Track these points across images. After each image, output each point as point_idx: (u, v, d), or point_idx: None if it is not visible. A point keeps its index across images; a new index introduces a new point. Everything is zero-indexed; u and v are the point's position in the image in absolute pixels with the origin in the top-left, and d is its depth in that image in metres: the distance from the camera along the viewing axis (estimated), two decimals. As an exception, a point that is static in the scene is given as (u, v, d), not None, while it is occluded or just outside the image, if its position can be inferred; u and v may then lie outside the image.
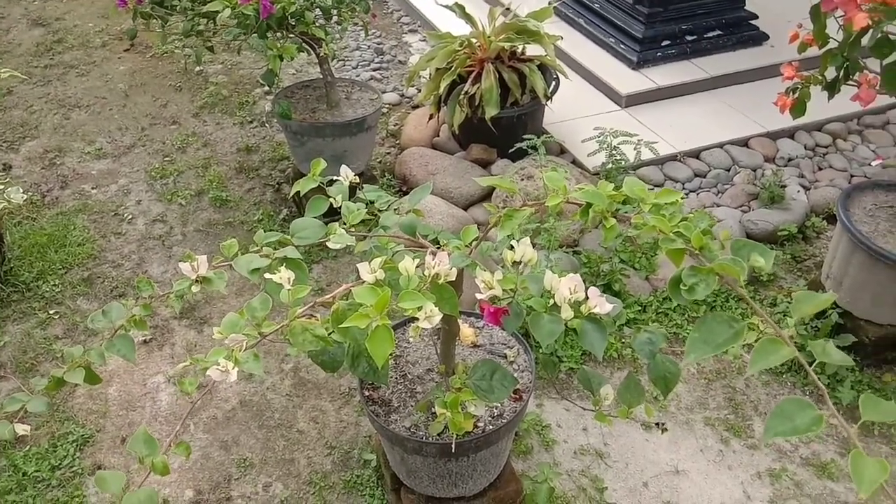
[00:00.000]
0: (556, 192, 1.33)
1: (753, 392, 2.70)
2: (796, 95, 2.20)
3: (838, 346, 2.27)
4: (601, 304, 1.41)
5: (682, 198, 1.21)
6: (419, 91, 4.51)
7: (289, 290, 1.29)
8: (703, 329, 1.07)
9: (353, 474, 2.39)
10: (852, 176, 3.72)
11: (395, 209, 1.80)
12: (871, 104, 2.13)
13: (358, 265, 1.33)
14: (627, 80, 4.16)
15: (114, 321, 1.56)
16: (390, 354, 1.25)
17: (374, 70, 4.80)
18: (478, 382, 1.51)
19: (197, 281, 1.43)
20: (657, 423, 1.85)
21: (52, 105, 4.44)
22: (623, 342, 2.83)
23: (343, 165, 1.86)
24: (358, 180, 1.84)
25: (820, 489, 2.38)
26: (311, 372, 2.76)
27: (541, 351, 2.45)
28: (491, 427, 1.83)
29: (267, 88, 4.58)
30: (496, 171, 3.57)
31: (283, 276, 1.30)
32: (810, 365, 1.12)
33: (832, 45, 2.16)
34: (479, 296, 1.43)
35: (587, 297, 1.41)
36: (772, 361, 1.00)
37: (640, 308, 2.92)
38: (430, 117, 3.74)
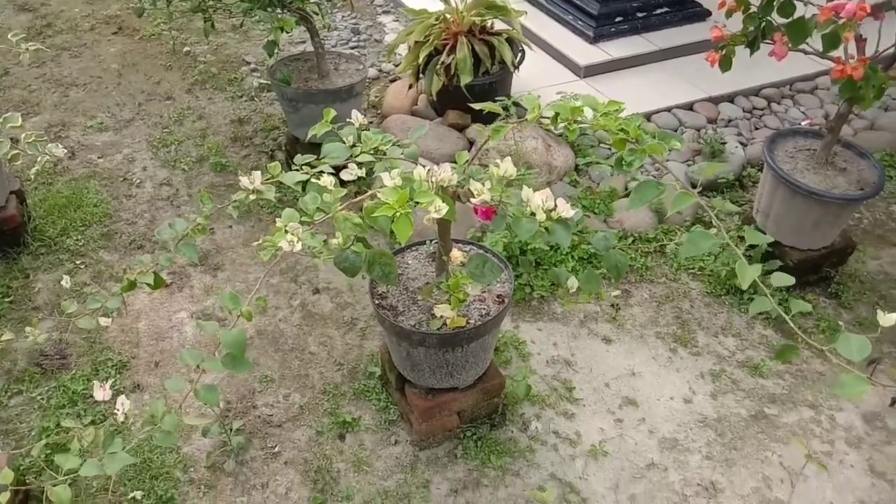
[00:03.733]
0: (533, 108, 1.74)
1: (697, 311, 3.17)
2: (723, 52, 2.65)
3: (768, 271, 2.75)
4: (566, 210, 1.83)
5: (622, 105, 1.63)
6: (396, 66, 4.90)
7: (331, 191, 1.69)
8: (692, 239, 1.49)
9: (361, 384, 2.79)
10: (784, 134, 4.21)
11: (394, 143, 2.19)
12: (801, 71, 2.57)
13: (380, 173, 1.73)
14: (585, 53, 4.60)
15: (178, 231, 1.93)
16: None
17: (352, 48, 5.16)
18: (473, 270, 1.92)
19: (253, 192, 1.81)
20: (612, 304, 2.27)
21: (50, 84, 4.72)
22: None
23: (354, 110, 2.24)
24: (367, 123, 2.23)
25: (752, 384, 2.85)
26: (316, 306, 3.15)
27: (539, 282, 2.88)
28: (481, 321, 2.25)
29: (253, 66, 4.92)
30: (471, 134, 3.97)
31: (327, 180, 1.69)
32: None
33: (753, 10, 2.62)
34: (472, 201, 1.83)
35: (556, 206, 1.83)
36: (749, 277, 1.41)
37: (600, 244, 3.36)
38: (410, 87, 4.13)
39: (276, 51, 3.26)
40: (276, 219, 1.74)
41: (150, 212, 3.66)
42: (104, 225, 3.54)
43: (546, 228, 1.83)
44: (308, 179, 1.82)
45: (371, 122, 4.36)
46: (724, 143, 4.00)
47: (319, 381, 2.82)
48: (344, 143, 2.14)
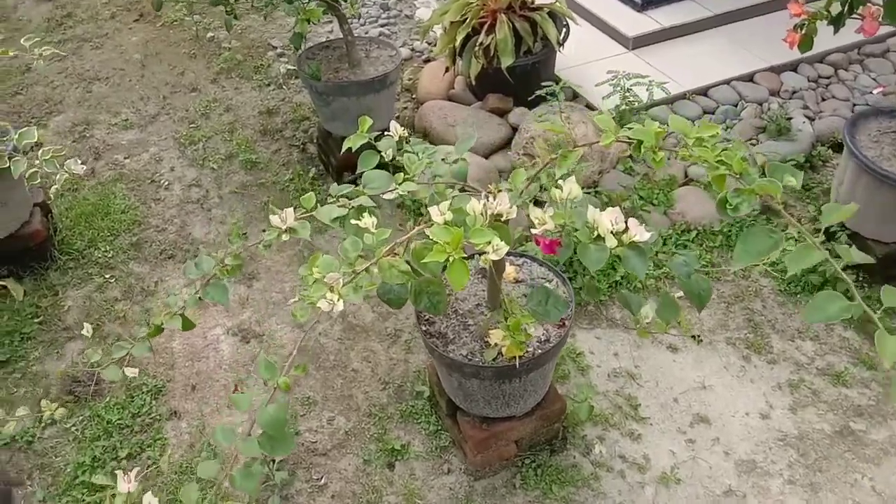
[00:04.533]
0: (608, 132, 1.50)
1: (770, 312, 2.90)
2: (804, 31, 2.34)
3: (847, 266, 2.47)
4: (640, 233, 1.59)
5: (719, 131, 1.38)
6: (429, 45, 4.63)
7: (374, 233, 1.47)
8: (748, 241, 1.25)
9: (408, 405, 2.61)
10: (855, 105, 3.86)
11: (442, 158, 1.96)
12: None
13: (429, 208, 1.50)
14: (633, 22, 4.27)
15: (206, 270, 1.74)
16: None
17: (382, 26, 4.89)
18: (535, 307, 1.70)
19: (286, 231, 1.60)
20: (693, 336, 2.06)
21: (73, 79, 4.55)
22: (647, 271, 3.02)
23: (392, 121, 2.02)
24: (407, 134, 2.00)
25: (835, 395, 2.60)
26: (357, 317, 2.97)
27: (585, 279, 2.66)
28: (540, 350, 2.03)
29: (280, 51, 4.69)
30: (513, 120, 3.71)
31: (368, 221, 1.48)
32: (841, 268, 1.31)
33: (837, -20, 2.30)
34: (533, 231, 1.60)
35: (627, 228, 1.59)
36: (806, 263, 1.19)
37: (661, 241, 3.10)
38: (446, 70, 3.86)
39: (302, 43, 3.02)
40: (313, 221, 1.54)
41: (181, 216, 3.50)
42: (133, 233, 3.39)
43: (618, 256, 1.60)
44: (346, 214, 1.60)
45: (406, 108, 4.12)
46: (790, 119, 3.67)
47: (364, 403, 2.65)
48: (383, 157, 1.93)
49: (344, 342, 2.87)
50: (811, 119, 3.75)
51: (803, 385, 2.64)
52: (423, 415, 2.57)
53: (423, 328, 2.14)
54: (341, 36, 3.43)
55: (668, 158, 1.60)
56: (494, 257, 1.45)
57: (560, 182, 1.66)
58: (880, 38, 4.24)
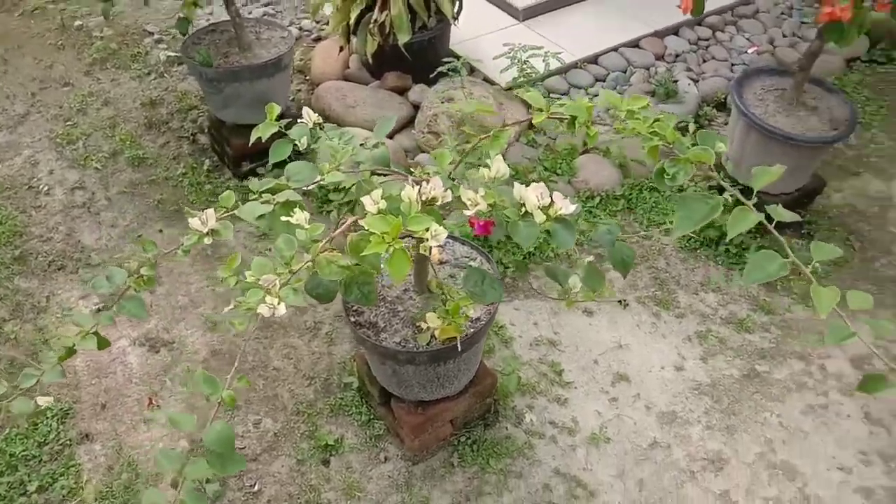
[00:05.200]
0: (539, 109, 1.50)
1: (674, 269, 3.04)
2: (694, -4, 2.43)
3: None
4: (566, 206, 1.61)
5: (648, 103, 1.41)
6: (318, 24, 4.49)
7: (307, 228, 1.41)
8: (685, 208, 1.30)
9: (337, 398, 2.57)
10: (733, 65, 4.08)
11: (361, 143, 1.91)
12: None
13: (362, 198, 1.46)
14: (522, -7, 4.30)
15: (118, 284, 1.62)
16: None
17: (266, 5, 4.70)
18: (472, 289, 1.70)
19: (208, 233, 1.51)
20: (619, 301, 2.11)
21: (-79, 79, 4.12)
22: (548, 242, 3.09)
23: (305, 108, 1.94)
24: (321, 121, 1.93)
25: (740, 341, 2.77)
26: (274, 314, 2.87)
27: (512, 257, 2.68)
28: (473, 329, 2.04)
29: (158, 37, 4.41)
30: (414, 98, 3.67)
31: (300, 217, 1.41)
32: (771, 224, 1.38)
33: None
34: (466, 212, 1.59)
35: (552, 202, 1.61)
36: (744, 226, 1.25)
37: (568, 209, 3.17)
38: (341, 49, 3.76)
39: (189, 28, 2.85)
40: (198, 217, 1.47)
41: (66, 223, 3.25)
42: (14, 246, 3.12)
43: (547, 231, 1.62)
44: (273, 210, 1.53)
45: (299, 91, 3.99)
46: (677, 82, 3.83)
47: (291, 401, 2.58)
48: (298, 146, 1.86)
49: (261, 341, 2.78)
50: (695, 81, 3.93)
51: (710, 335, 2.79)
52: (354, 406, 2.53)
53: (353, 319, 2.09)
54: (225, 18, 3.27)
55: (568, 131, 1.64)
56: (434, 244, 1.43)
57: (488, 161, 1.66)
58: (749, -1, 4.49)
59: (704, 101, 3.80)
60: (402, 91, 3.72)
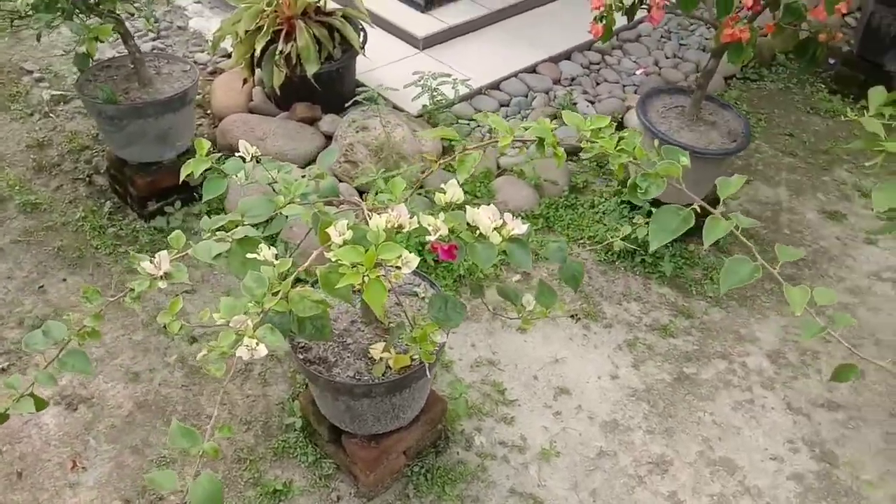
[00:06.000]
0: (504, 134, 1.51)
1: (596, 281, 3.15)
2: (604, 23, 2.56)
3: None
4: (517, 226, 1.65)
5: (609, 122, 1.46)
6: (212, 57, 4.36)
7: (275, 264, 1.35)
8: (659, 220, 1.35)
9: (279, 440, 2.46)
10: (624, 86, 4.31)
11: (302, 176, 1.87)
12: (621, 22, 2.55)
13: (328, 230, 1.42)
14: (421, 23, 4.37)
15: (56, 339, 1.49)
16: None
17: (154, 40, 4.51)
18: (437, 314, 1.68)
19: (161, 277, 1.42)
20: (572, 315, 2.15)
21: None
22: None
23: (241, 140, 1.87)
24: (258, 153, 1.87)
25: (666, 346, 2.90)
26: (198, 358, 2.72)
27: (469, 279, 2.67)
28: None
29: (38, 75, 4.13)
30: (325, 128, 3.63)
31: (266, 253, 1.36)
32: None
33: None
34: (428, 238, 1.58)
35: (504, 223, 1.64)
36: (718, 233, 1.31)
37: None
38: (245, 81, 3.67)
39: (89, 64, 2.68)
40: (122, 260, 1.40)
41: (-47, 279, 2.95)
42: None
43: (503, 251, 1.65)
44: (231, 249, 1.46)
45: (200, 125, 3.85)
46: (576, 104, 4.00)
47: (230, 449, 2.44)
48: (235, 179, 1.80)
49: (190, 388, 2.62)
50: (592, 102, 4.12)
51: (638, 342, 2.90)
52: (299, 447, 2.43)
53: (301, 357, 2.02)
54: (112, 54, 3.10)
55: (484, 152, 1.68)
56: (406, 271, 1.41)
57: (442, 186, 1.67)
58: (629, 25, 4.77)
59: (604, 120, 3.98)
60: (311, 121, 3.66)
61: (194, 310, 2.88)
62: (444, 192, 1.65)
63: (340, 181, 3.40)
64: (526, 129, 1.51)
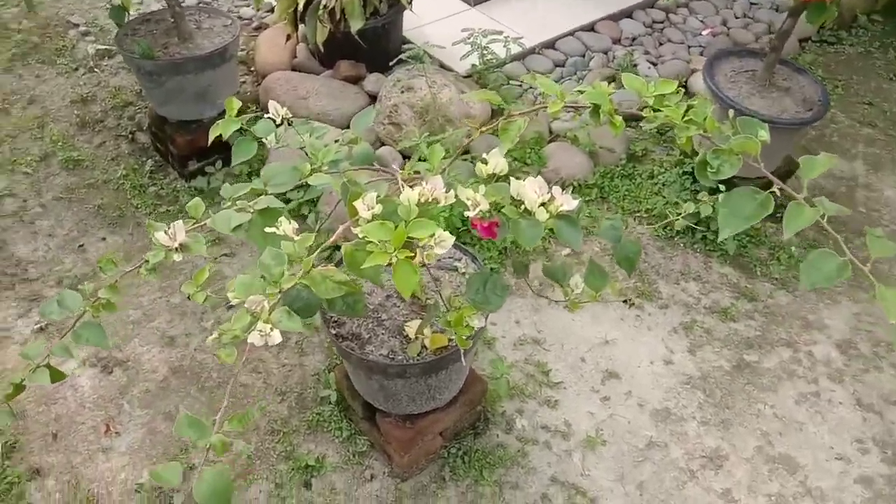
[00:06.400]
0: (555, 98, 1.34)
1: (652, 258, 2.96)
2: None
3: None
4: (567, 201, 1.47)
5: (676, 87, 1.27)
6: (257, 12, 4.23)
7: (295, 240, 1.23)
8: (731, 204, 1.17)
9: (314, 413, 2.38)
10: (689, 47, 4.03)
11: (335, 140, 1.73)
12: None
13: (355, 203, 1.29)
14: (474, -24, 4.14)
15: (71, 309, 1.40)
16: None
17: (200, -7, 4.39)
18: (474, 296, 1.54)
19: (176, 249, 1.31)
20: (625, 300, 1.99)
21: None
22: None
23: (271, 101, 1.74)
24: (289, 114, 1.74)
25: (726, 331, 2.70)
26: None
27: (513, 255, 2.53)
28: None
29: (84, 29, 4.07)
30: (369, 88, 3.48)
31: (287, 227, 1.23)
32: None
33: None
34: (467, 213, 1.43)
35: (553, 197, 1.47)
36: (801, 223, 1.12)
37: (541, 200, 3.05)
38: (288, 37, 3.53)
39: (125, 17, 2.58)
40: (162, 220, 1.30)
41: (-5, 235, 2.94)
42: (-64, 262, 2.80)
43: (550, 230, 1.48)
44: (252, 220, 1.34)
45: (244, 83, 3.74)
46: (636, 66, 3.75)
47: (263, 420, 2.37)
48: (265, 144, 1.68)
49: (226, 354, 2.55)
50: (654, 64, 3.86)
51: (696, 325, 2.71)
52: (333, 421, 2.35)
53: (333, 332, 1.91)
54: (157, 7, 3.00)
55: (532, 117, 1.50)
56: (440, 251, 1.27)
57: (484, 156, 1.51)
58: (700, -19, 4.44)
59: (667, 84, 3.72)
60: (356, 80, 3.52)
61: (232, 274, 2.81)
62: (486, 162, 1.49)
63: (384, 144, 3.26)
64: (580, 94, 1.33)
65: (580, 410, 2.44)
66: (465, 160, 3.11)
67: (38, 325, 2.58)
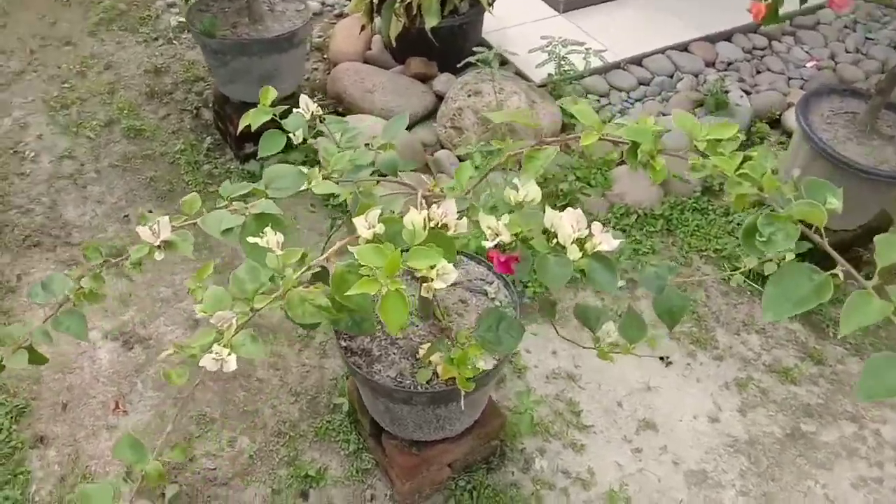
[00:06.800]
0: (590, 129, 1.18)
1: (714, 303, 2.72)
2: (769, 1, 2.09)
3: (800, 254, 2.27)
4: (607, 241, 1.30)
5: (738, 132, 1.08)
6: (342, -1, 4.17)
7: (279, 254, 1.11)
8: (782, 282, 0.97)
9: (324, 420, 2.28)
10: (790, 79, 3.72)
11: (367, 143, 1.61)
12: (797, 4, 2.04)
13: (354, 220, 1.16)
14: (565, -18, 3.95)
15: (56, 295, 1.33)
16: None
17: (288, -24, 4.37)
18: (484, 334, 1.39)
19: (159, 246, 1.21)
20: (661, 357, 1.80)
21: (-84, 26, 3.85)
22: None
23: (303, 95, 1.64)
24: (321, 111, 1.63)
25: (784, 394, 2.44)
26: (263, 315, 2.57)
27: (536, 291, 2.37)
28: (484, 370, 1.73)
29: (170, 0, 4.11)
30: (438, 87, 3.35)
31: (271, 239, 1.11)
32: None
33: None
34: (485, 244, 1.28)
35: (591, 234, 1.29)
36: (865, 319, 0.91)
37: (599, 226, 2.85)
38: (362, 28, 3.44)
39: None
40: (210, 200, 1.20)
41: (49, 195, 2.97)
42: (-11, 216, 2.85)
43: (582, 270, 1.31)
44: (244, 224, 1.23)
45: (316, 70, 3.69)
46: (728, 92, 3.48)
47: (272, 419, 2.29)
48: (291, 139, 1.59)
49: (248, 346, 2.48)
50: (748, 93, 3.58)
51: (751, 383, 2.47)
52: (342, 432, 2.24)
53: (343, 344, 1.80)
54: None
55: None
56: (440, 285, 1.12)
57: (515, 181, 1.35)
58: (811, 9, 4.11)
59: (757, 116, 3.44)
60: (425, 79, 3.40)
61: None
62: (517, 189, 1.33)
63: (444, 147, 3.13)
64: (619, 127, 1.16)
65: (607, 459, 2.24)
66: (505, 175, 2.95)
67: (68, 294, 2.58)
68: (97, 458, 2.16)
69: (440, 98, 3.30)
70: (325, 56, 3.74)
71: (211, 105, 3.37)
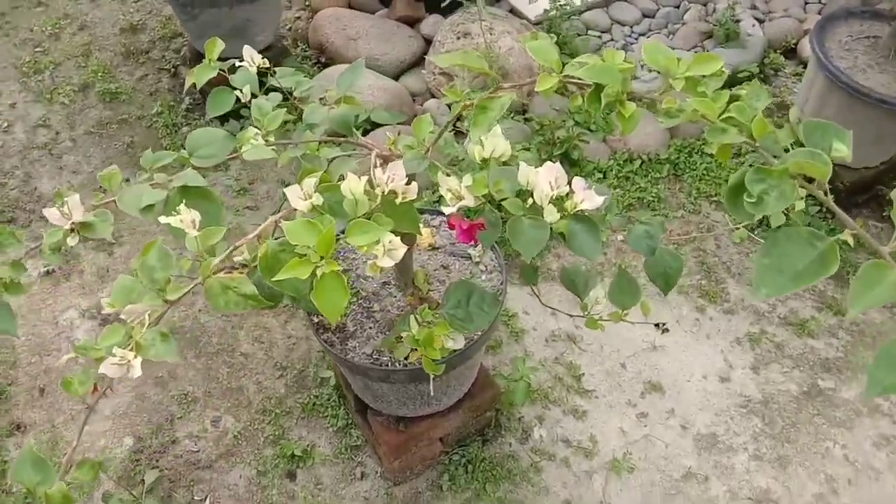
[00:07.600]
0: (548, 71, 1.00)
1: (725, 252, 2.54)
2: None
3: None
4: (589, 198, 1.13)
5: (720, 68, 0.89)
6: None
7: (196, 235, 0.96)
8: (777, 252, 0.80)
9: (311, 395, 2.17)
10: (806, 3, 3.45)
11: (320, 98, 1.45)
12: None
13: (285, 189, 1.00)
14: None
15: (-25, 287, 1.20)
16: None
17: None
18: (452, 312, 1.25)
19: (72, 230, 1.07)
20: (657, 324, 1.65)
21: None
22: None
23: (246, 46, 1.48)
24: (267, 63, 1.47)
25: (801, 348, 2.28)
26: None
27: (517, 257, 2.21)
28: (465, 342, 1.59)
29: (145, -48, 3.89)
30: (426, 31, 3.14)
31: (186, 218, 0.96)
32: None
33: None
34: (446, 209, 1.12)
35: (571, 191, 1.13)
36: (877, 298, 0.74)
37: (600, 175, 2.67)
38: (343, -28, 3.22)
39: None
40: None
41: (23, 167, 2.84)
42: (-40, 192, 2.73)
43: (561, 234, 1.15)
44: (167, 199, 1.08)
45: (298, 18, 3.48)
46: (739, 22, 3.22)
47: (257, 396, 2.18)
48: (240, 98, 1.44)
49: (230, 319, 2.37)
50: (760, 21, 3.32)
51: (765, 338, 2.31)
52: (330, 407, 2.13)
53: (315, 320, 1.66)
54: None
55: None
56: (386, 263, 0.97)
57: (481, 136, 1.18)
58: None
59: (771, 46, 3.19)
60: (413, 22, 3.18)
61: (254, 231, 2.60)
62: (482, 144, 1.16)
63: (433, 96, 2.94)
64: (581, 66, 0.98)
65: (610, 426, 2.11)
66: (518, 120, 2.75)
67: (46, 269, 2.47)
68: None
69: (429, 42, 3.09)
70: (308, 3, 3.52)
71: (189, 63, 3.19)
